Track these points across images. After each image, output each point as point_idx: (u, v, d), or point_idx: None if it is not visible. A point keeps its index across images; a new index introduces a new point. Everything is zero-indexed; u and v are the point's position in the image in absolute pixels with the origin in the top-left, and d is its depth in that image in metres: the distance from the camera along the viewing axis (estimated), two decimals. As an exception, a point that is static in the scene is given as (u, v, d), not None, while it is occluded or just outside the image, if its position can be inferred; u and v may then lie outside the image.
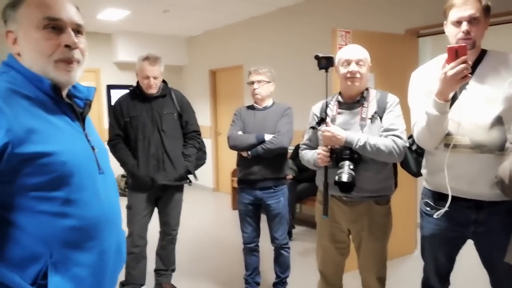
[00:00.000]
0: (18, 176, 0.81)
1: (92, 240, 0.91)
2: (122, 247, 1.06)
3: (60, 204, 0.86)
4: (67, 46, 0.90)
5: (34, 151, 0.81)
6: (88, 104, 1.02)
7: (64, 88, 0.96)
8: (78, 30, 0.94)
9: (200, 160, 2.70)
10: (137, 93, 2.52)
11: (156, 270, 2.72)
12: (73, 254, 0.88)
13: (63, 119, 0.92)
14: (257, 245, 2.59)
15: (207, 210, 5.29)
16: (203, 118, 6.20)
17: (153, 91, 2.47)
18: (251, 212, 2.51)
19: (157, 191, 2.52)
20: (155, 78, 2.44)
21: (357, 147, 1.68)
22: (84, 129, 0.98)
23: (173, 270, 2.76)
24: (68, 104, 0.96)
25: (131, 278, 2.54)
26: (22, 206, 0.83)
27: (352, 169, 1.65)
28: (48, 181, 0.84)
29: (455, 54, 1.34)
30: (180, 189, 2.62)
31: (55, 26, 0.90)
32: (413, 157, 1.73)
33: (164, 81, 2.58)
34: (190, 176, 2.62)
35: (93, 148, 0.98)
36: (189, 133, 2.62)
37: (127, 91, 2.60)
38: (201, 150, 2.69)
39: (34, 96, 0.88)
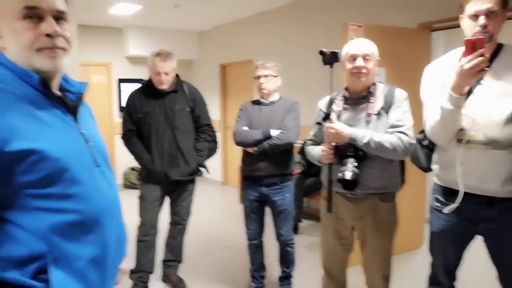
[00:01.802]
0: (12, 176, 0.80)
1: (93, 233, 0.91)
2: (123, 239, 1.05)
3: (56, 200, 0.85)
4: (48, 35, 0.87)
5: (23, 148, 0.80)
6: (80, 97, 1.00)
7: (53, 80, 0.94)
8: (61, 17, 0.91)
9: (212, 150, 2.72)
10: (149, 89, 2.53)
11: (164, 261, 2.76)
12: (73, 248, 0.87)
13: (54, 114, 0.90)
14: (261, 242, 2.58)
15: (215, 203, 5.31)
16: (213, 112, 6.17)
17: (164, 87, 2.48)
18: (256, 209, 2.50)
19: (170, 185, 2.55)
20: (166, 74, 2.43)
21: (361, 144, 1.66)
22: (77, 123, 0.97)
23: (180, 262, 2.79)
24: (59, 98, 0.94)
25: (141, 265, 2.58)
26: (18, 204, 0.82)
27: (356, 167, 1.63)
28: (42, 178, 0.82)
29: (472, 46, 1.30)
30: (193, 181, 2.66)
31: (34, 15, 0.87)
32: (424, 152, 1.69)
33: (176, 75, 2.57)
34: (203, 169, 2.64)
35: (87, 142, 0.96)
36: (201, 127, 2.63)
37: (138, 85, 2.62)
38: (213, 141, 2.70)
39: (22, 93, 0.86)
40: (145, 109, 2.49)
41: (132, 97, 2.56)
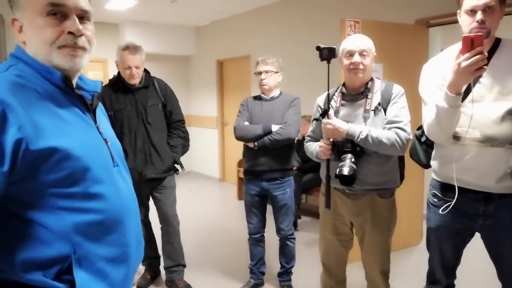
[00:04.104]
0: (36, 174, 0.79)
1: (115, 233, 0.90)
2: (141, 240, 1.05)
3: (79, 199, 0.84)
4: (70, 33, 0.87)
5: (48, 146, 0.79)
6: (96, 96, 0.99)
7: (73, 78, 0.93)
8: (85, 16, 0.90)
9: (184, 148, 2.69)
10: (119, 84, 2.45)
11: (166, 268, 2.66)
12: (97, 248, 0.87)
13: (74, 112, 0.89)
14: (263, 236, 2.60)
15: (212, 200, 5.32)
16: (210, 108, 6.21)
17: (136, 81, 2.41)
18: (257, 203, 2.52)
19: (147, 183, 2.48)
20: (136, 67, 2.38)
21: (358, 140, 1.67)
22: (96, 122, 0.96)
23: (184, 266, 2.70)
24: (79, 96, 0.92)
25: (147, 253, 2.61)
26: (42, 204, 0.81)
27: (353, 162, 1.64)
28: (65, 177, 0.82)
29: (470, 43, 1.27)
30: (170, 178, 2.59)
31: (59, 12, 0.86)
32: (422, 148, 1.69)
33: (146, 70, 2.52)
34: (177, 166, 2.61)
35: (106, 141, 0.95)
36: (174, 122, 2.59)
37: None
38: (185, 138, 2.68)
39: (43, 90, 0.85)
40: (116, 106, 2.41)
41: (101, 94, 2.49)
